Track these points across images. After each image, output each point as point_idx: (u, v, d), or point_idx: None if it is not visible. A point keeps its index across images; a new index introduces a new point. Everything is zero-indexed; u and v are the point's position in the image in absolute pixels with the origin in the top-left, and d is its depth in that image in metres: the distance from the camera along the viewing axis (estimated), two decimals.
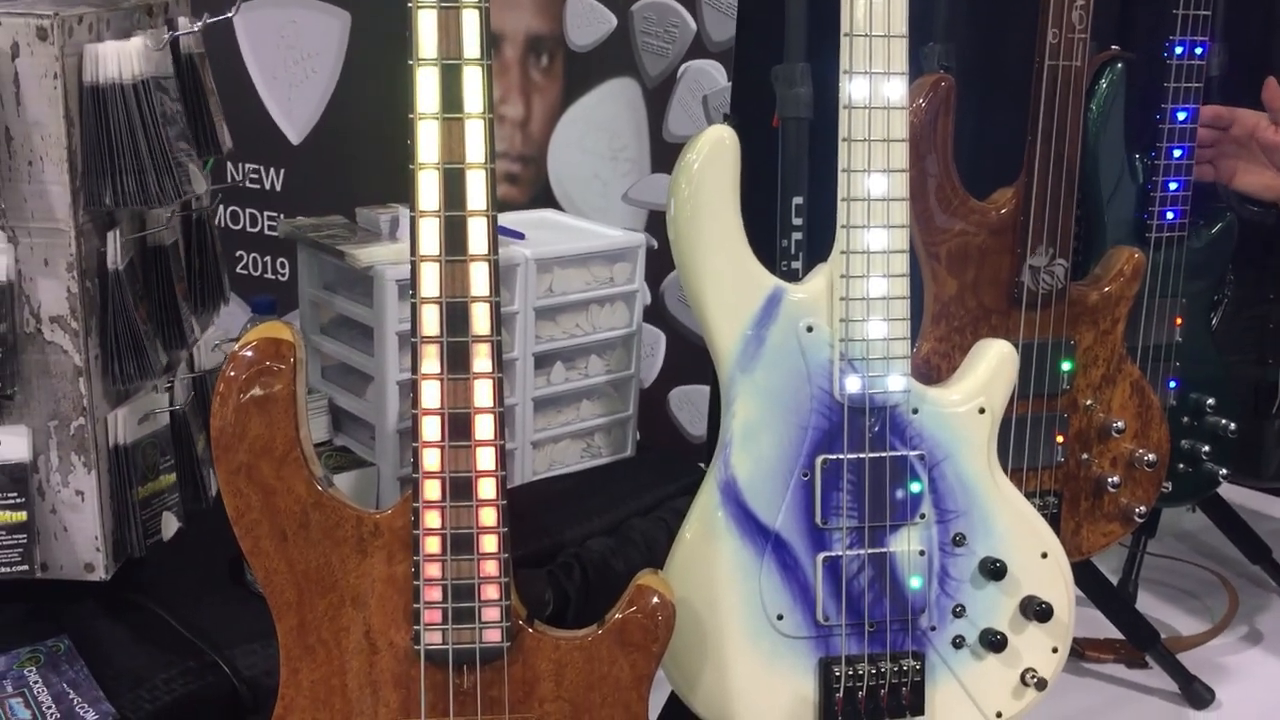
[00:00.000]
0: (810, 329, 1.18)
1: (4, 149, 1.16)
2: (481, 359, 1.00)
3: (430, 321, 1.00)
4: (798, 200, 1.30)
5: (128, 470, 1.25)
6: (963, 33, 1.64)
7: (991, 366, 1.22)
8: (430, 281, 1.00)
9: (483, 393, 1.00)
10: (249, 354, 1.00)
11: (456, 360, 1.00)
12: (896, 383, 1.19)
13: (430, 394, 1.00)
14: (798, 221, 1.31)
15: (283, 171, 2.57)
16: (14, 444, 1.20)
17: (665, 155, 2.11)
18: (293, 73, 2.54)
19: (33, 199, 1.17)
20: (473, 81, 0.98)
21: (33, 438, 1.21)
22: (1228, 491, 1.98)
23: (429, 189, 0.98)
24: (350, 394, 1.61)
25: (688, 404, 2.23)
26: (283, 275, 2.51)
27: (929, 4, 1.39)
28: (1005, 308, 1.45)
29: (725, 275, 1.17)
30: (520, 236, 1.66)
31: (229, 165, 2.52)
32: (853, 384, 1.18)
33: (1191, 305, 1.66)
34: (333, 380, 1.66)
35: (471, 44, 0.98)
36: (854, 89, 1.15)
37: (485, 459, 1.01)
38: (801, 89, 1.25)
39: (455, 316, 1.00)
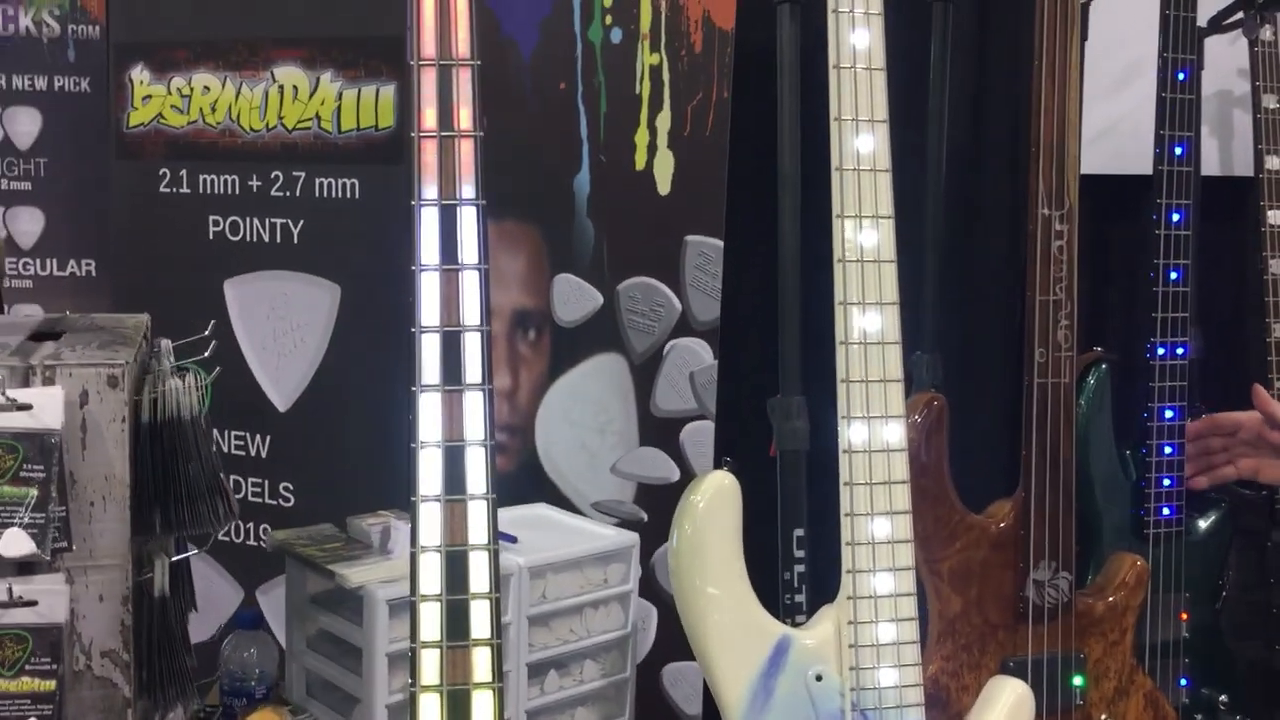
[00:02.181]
0: (820, 677, 1.15)
1: (68, 493, 1.15)
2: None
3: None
4: (799, 532, 1.30)
5: None
6: (950, 342, 1.67)
7: (1008, 710, 1.18)
8: (430, 624, 0.97)
9: None
10: None
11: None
12: None
13: None
14: (799, 554, 1.30)
15: (268, 439, 2.56)
16: None
17: (653, 429, 2.11)
18: (282, 342, 2.56)
19: (92, 538, 1.16)
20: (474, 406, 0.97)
21: None
22: None
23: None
24: (336, 714, 1.55)
25: (682, 681, 2.16)
26: (264, 542, 2.46)
27: (915, 313, 1.42)
28: (1011, 623, 1.42)
29: (730, 625, 1.14)
30: (512, 540, 1.63)
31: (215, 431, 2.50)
32: None
33: (1195, 598, 1.64)
34: (318, 698, 1.59)
35: (473, 369, 0.98)
36: (852, 434, 1.15)
37: None
38: (798, 422, 1.26)
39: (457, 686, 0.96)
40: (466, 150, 0.99)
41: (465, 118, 0.99)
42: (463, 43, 0.99)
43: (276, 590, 2.48)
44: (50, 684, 1.11)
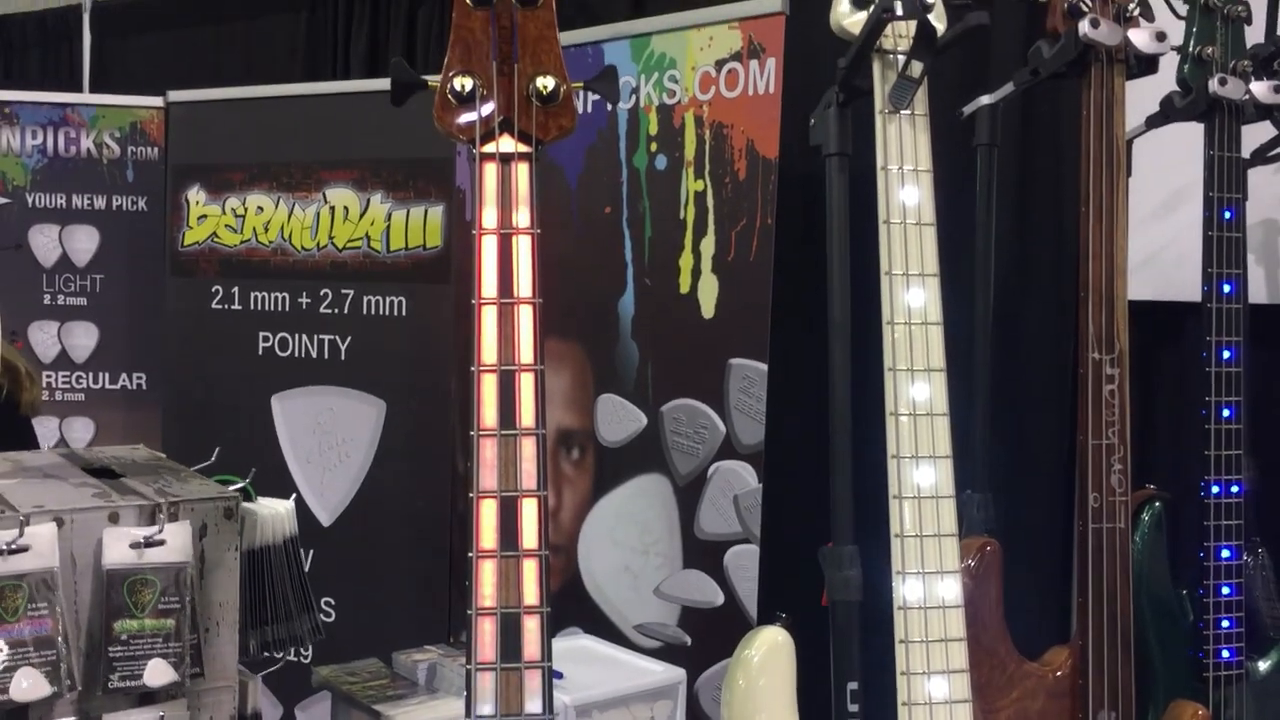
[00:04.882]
0: None
1: (188, 624, 1.18)
2: None
3: None
4: (852, 686, 1.28)
5: None
6: (1000, 480, 1.66)
7: None
8: None
9: None
10: None
11: None
12: None
13: None
14: (854, 708, 1.28)
15: (312, 553, 2.57)
16: None
17: (698, 551, 2.10)
18: (327, 457, 2.59)
19: (206, 663, 1.20)
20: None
21: None
22: None
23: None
24: None
25: None
26: (305, 658, 2.46)
27: (965, 451, 1.41)
28: None
29: None
30: (558, 676, 1.61)
31: None
32: None
33: None
34: None
35: (530, 533, 0.98)
36: (907, 590, 1.14)
37: None
38: (851, 572, 1.26)
39: None
40: (526, 317, 1.01)
41: (525, 285, 1.01)
42: (523, 213, 1.02)
43: (316, 706, 2.47)
44: None
